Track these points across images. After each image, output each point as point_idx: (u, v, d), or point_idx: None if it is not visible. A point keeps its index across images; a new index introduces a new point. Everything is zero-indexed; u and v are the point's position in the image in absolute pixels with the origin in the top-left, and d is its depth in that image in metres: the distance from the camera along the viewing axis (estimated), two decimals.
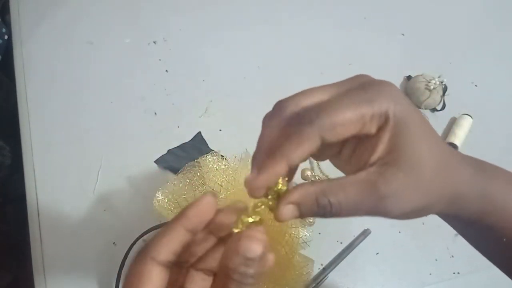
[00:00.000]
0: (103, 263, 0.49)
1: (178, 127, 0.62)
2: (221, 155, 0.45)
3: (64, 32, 0.69)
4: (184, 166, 0.45)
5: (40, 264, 0.49)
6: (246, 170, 0.44)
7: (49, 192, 0.54)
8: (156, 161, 0.58)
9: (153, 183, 0.56)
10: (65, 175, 0.55)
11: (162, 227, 0.24)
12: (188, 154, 0.59)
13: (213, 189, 0.40)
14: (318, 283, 0.51)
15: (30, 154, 0.57)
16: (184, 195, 0.42)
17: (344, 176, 0.23)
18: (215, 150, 0.60)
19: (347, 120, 0.22)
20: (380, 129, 0.23)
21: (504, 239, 0.27)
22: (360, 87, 0.23)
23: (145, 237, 0.51)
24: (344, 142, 0.26)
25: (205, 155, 0.44)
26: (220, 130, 0.63)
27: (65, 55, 0.67)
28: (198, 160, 0.45)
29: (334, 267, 0.52)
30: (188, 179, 0.44)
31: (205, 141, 0.61)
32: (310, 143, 0.22)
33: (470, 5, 0.91)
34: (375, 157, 0.23)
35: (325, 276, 0.52)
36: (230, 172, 0.43)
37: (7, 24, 0.73)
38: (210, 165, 0.43)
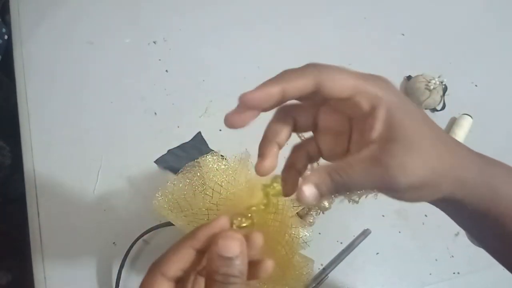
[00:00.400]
0: (103, 263, 0.49)
1: (178, 127, 0.62)
2: (221, 155, 0.45)
3: (64, 32, 0.69)
4: (184, 166, 0.45)
5: (40, 264, 0.49)
6: (246, 170, 0.44)
7: (49, 192, 0.54)
8: (156, 161, 0.58)
9: (153, 183, 0.56)
10: (65, 175, 0.55)
11: (172, 246, 0.26)
12: (188, 154, 0.59)
13: (213, 189, 0.40)
14: (318, 283, 0.51)
15: (30, 154, 0.57)
16: (184, 195, 0.42)
17: (351, 155, 0.25)
18: (215, 150, 0.60)
19: (344, 80, 0.25)
20: (375, 108, 0.24)
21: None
22: (361, 73, 0.26)
23: (145, 237, 0.51)
24: (350, 136, 0.28)
25: (205, 155, 0.44)
26: (220, 130, 0.63)
27: (65, 55, 0.67)
28: (198, 160, 0.45)
29: (334, 267, 0.52)
30: (188, 179, 0.44)
31: (205, 141, 0.61)
32: (306, 81, 0.25)
33: (470, 5, 0.91)
34: (375, 134, 0.25)
35: (325, 276, 0.52)
36: (230, 172, 0.42)
37: (7, 24, 0.73)
38: (210, 165, 0.43)
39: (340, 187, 0.24)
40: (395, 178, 0.23)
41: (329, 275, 0.52)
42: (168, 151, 0.59)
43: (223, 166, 0.43)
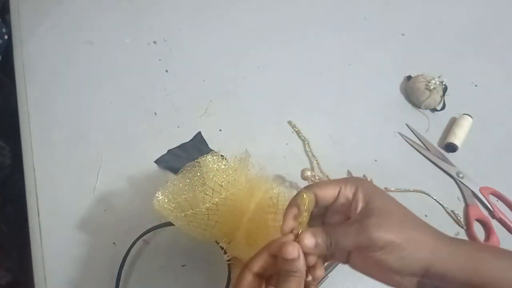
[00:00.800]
0: (103, 263, 0.49)
1: (178, 127, 0.62)
2: (221, 155, 0.45)
3: (64, 32, 0.69)
4: (184, 166, 0.45)
5: (40, 264, 0.49)
6: (246, 170, 0.44)
7: (49, 192, 0.54)
8: (156, 161, 0.58)
9: (153, 183, 0.56)
10: (65, 175, 0.55)
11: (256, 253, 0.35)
12: (188, 154, 0.59)
13: (213, 189, 0.40)
14: (318, 283, 0.51)
15: (30, 154, 0.57)
16: (184, 195, 0.42)
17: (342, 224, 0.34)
18: (215, 150, 0.60)
19: (329, 186, 0.35)
20: (355, 194, 0.34)
21: None
22: (342, 178, 0.36)
23: (145, 237, 0.51)
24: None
25: (205, 155, 0.44)
26: (220, 130, 0.63)
27: (65, 55, 0.67)
28: (198, 160, 0.45)
29: (334, 267, 0.52)
30: (188, 179, 0.44)
31: (205, 141, 0.61)
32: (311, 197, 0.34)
33: (470, 5, 0.91)
34: (357, 211, 0.33)
35: (325, 276, 0.52)
36: (230, 172, 0.42)
37: (7, 24, 0.73)
38: (210, 165, 0.43)
39: (332, 242, 0.33)
40: (374, 233, 0.31)
41: (329, 275, 0.52)
42: (168, 151, 0.59)
43: (223, 166, 0.43)
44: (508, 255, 0.32)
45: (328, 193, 0.35)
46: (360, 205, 0.33)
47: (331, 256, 0.37)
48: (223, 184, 0.40)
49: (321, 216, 0.38)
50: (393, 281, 0.33)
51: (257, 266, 0.34)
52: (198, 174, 0.43)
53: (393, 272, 0.32)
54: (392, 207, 0.33)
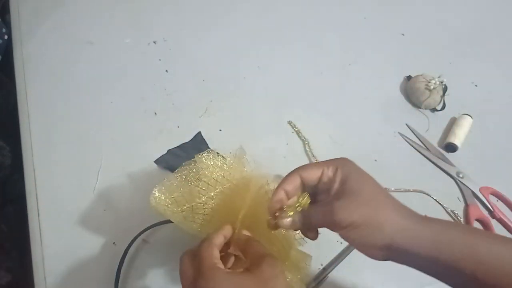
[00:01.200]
0: (103, 263, 0.49)
1: (178, 127, 0.62)
2: (217, 153, 0.45)
3: (64, 32, 0.69)
4: (181, 165, 0.45)
5: (40, 264, 0.49)
6: (241, 166, 0.44)
7: (49, 192, 0.54)
8: (156, 161, 0.58)
9: (153, 183, 0.56)
10: (65, 175, 0.55)
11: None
12: (188, 154, 0.59)
13: (208, 184, 0.40)
14: (318, 283, 0.51)
15: (30, 154, 0.57)
16: (180, 191, 0.42)
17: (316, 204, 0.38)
18: (214, 149, 0.60)
19: (314, 168, 0.38)
20: (334, 174, 0.37)
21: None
22: (326, 160, 0.39)
23: (144, 236, 0.51)
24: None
25: (201, 153, 0.45)
26: (220, 130, 0.63)
27: (65, 55, 0.67)
28: (194, 158, 0.45)
29: (334, 267, 0.52)
30: (184, 175, 0.44)
31: (205, 141, 0.61)
32: (294, 179, 0.39)
33: (470, 6, 0.91)
34: (333, 191, 0.37)
35: (325, 276, 0.52)
36: (225, 168, 0.43)
37: (7, 24, 0.73)
38: (206, 161, 0.43)
39: (305, 221, 0.37)
40: (337, 215, 0.34)
41: (329, 275, 0.52)
42: (168, 151, 0.59)
43: (218, 163, 0.43)
44: (479, 233, 0.34)
45: (312, 175, 0.38)
46: (335, 186, 0.37)
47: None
48: (218, 179, 0.41)
49: (314, 194, 0.40)
50: (363, 252, 0.36)
51: (220, 239, 0.38)
52: (194, 170, 0.43)
53: (358, 247, 0.36)
54: (363, 188, 0.36)
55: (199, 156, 0.44)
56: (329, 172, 0.38)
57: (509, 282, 0.32)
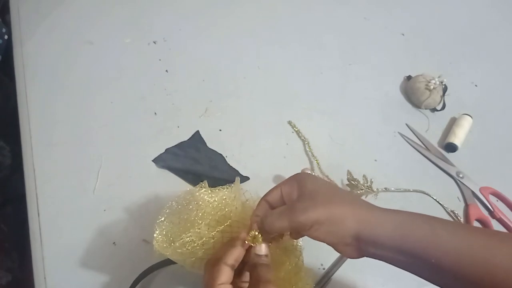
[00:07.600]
0: (103, 263, 0.49)
1: (178, 127, 0.62)
2: (210, 189, 0.44)
3: (64, 32, 0.69)
4: (170, 202, 0.45)
5: (40, 264, 0.49)
6: (239, 198, 0.43)
7: (49, 192, 0.54)
8: (154, 160, 0.58)
9: (153, 183, 0.56)
10: (65, 175, 0.55)
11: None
12: (186, 152, 0.59)
13: (209, 226, 0.40)
14: (321, 287, 0.51)
15: (30, 154, 0.57)
16: (179, 230, 0.42)
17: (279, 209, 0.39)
18: (214, 149, 0.61)
19: (273, 190, 0.41)
20: (291, 187, 0.39)
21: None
22: (285, 180, 0.41)
23: (144, 237, 0.51)
24: None
25: (196, 187, 0.44)
26: (220, 130, 0.63)
27: (65, 55, 0.67)
28: (191, 191, 0.45)
29: (336, 270, 0.52)
30: (185, 214, 0.43)
31: (203, 140, 0.61)
32: (263, 206, 0.41)
33: (470, 6, 0.91)
34: (294, 198, 0.38)
35: (327, 280, 0.52)
36: (222, 207, 0.43)
37: (7, 24, 0.72)
38: (201, 196, 0.43)
39: (273, 228, 0.38)
40: (301, 216, 0.35)
41: (332, 277, 0.52)
42: (166, 149, 0.59)
43: (215, 203, 0.43)
44: (442, 221, 0.34)
45: (274, 196, 0.40)
46: (295, 193, 0.38)
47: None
48: (220, 219, 0.41)
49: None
50: (338, 250, 0.37)
51: (232, 259, 0.38)
52: (191, 206, 0.43)
53: (330, 245, 0.36)
54: (320, 189, 0.37)
55: (196, 193, 0.44)
56: (286, 188, 0.40)
57: (473, 270, 0.31)
